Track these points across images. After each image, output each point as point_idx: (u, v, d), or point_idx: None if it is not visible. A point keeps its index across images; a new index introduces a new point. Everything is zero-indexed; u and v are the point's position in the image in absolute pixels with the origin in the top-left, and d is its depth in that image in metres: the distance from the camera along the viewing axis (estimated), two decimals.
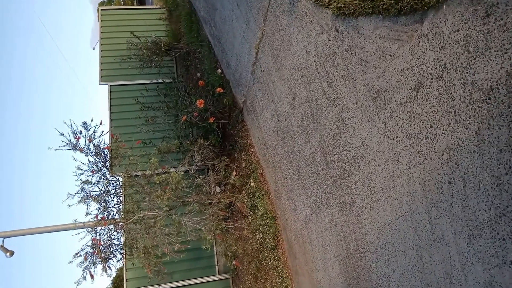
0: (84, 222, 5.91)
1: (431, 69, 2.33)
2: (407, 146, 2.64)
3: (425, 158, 2.46)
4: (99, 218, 5.39)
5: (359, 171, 3.27)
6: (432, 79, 2.33)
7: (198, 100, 6.15)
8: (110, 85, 9.84)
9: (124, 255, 6.07)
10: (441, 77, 2.25)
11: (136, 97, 7.41)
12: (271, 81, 5.14)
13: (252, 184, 6.77)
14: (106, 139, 6.05)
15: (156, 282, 6.55)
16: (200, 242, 5.80)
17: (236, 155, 7.42)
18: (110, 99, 9.60)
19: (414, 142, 2.55)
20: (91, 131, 5.69)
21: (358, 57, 3.06)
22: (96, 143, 5.67)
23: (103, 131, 5.76)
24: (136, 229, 5.81)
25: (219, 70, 7.53)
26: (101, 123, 5.74)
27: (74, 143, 5.54)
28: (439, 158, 2.33)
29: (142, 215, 5.75)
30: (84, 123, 5.78)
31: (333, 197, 3.88)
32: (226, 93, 7.05)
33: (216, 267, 7.95)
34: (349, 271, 3.73)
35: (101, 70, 10.09)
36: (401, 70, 2.59)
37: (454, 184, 2.23)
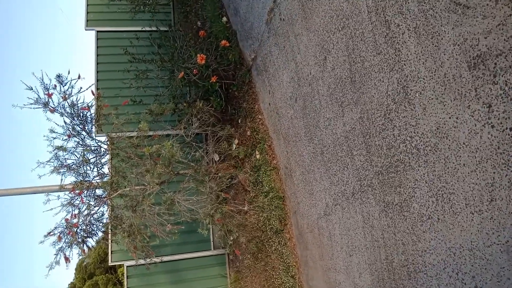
0: (61, 185, 4.95)
1: None
2: None
3: None
4: (76, 192, 4.50)
5: (424, 167, 2.34)
6: None
7: (198, 55, 5.05)
8: (97, 31, 8.59)
9: (106, 232, 5.26)
10: None
11: (125, 46, 6.25)
12: (293, 34, 4.04)
13: (257, 157, 5.86)
14: (88, 97, 4.97)
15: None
16: (196, 223, 4.97)
17: (240, 121, 6.44)
18: (97, 47, 8.38)
19: None
20: (67, 87, 4.63)
21: None
22: (72, 102, 4.63)
23: (81, 88, 4.69)
24: (121, 205, 4.95)
25: (225, 19, 6.32)
26: (79, 78, 4.66)
27: (45, 100, 4.49)
28: None
29: (128, 189, 4.85)
30: (58, 76, 4.69)
31: (373, 192, 2.98)
32: (232, 47, 5.91)
33: (212, 242, 7.24)
34: (387, 287, 2.93)
35: (87, 13, 8.76)
36: None
37: None
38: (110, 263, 6.94)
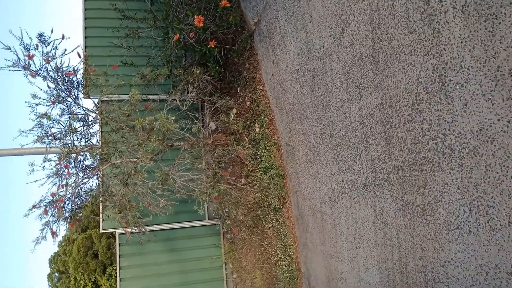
0: (47, 148, 4.58)
1: None
2: None
3: None
4: (61, 164, 4.16)
5: (458, 172, 2.04)
6: None
7: (195, 16, 4.53)
8: None
9: (96, 203, 5.00)
10: None
11: (113, 2, 5.62)
12: None
13: (257, 130, 5.52)
14: (74, 59, 4.48)
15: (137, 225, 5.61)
16: (192, 199, 4.72)
17: (239, 90, 6.01)
18: (85, 0, 7.65)
19: None
20: (50, 47, 4.13)
21: None
22: (56, 65, 4.15)
23: (65, 50, 4.20)
24: (111, 176, 4.65)
25: None
26: (63, 38, 4.15)
27: (25, 62, 4.01)
28: None
29: (119, 161, 4.53)
30: (40, 35, 4.17)
31: (389, 187, 2.70)
32: (233, 8, 5.35)
33: (206, 213, 7.08)
34: None
35: None
36: None
37: None
38: (101, 231, 6.78)
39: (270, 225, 5.36)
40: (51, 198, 4.04)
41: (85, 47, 7.23)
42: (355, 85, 2.98)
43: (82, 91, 4.41)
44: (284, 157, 4.87)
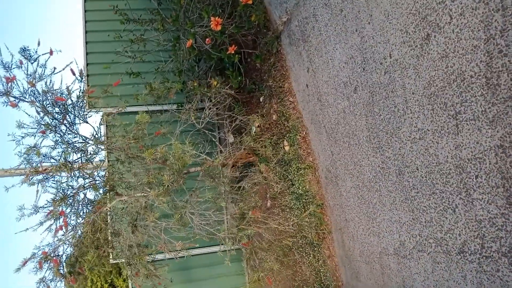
0: (37, 189, 3.82)
1: None
2: None
3: None
4: (55, 210, 3.38)
5: None
6: None
7: (212, 18, 3.68)
8: None
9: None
10: None
11: (114, 2, 4.79)
12: None
13: (286, 148, 4.68)
14: (68, 76, 3.66)
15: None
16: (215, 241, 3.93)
17: (261, 100, 5.16)
18: (85, 1, 6.85)
19: None
20: (36, 65, 3.32)
21: None
22: (46, 88, 3.35)
23: (54, 68, 3.38)
24: (118, 213, 3.88)
25: None
26: (51, 53, 3.34)
27: (5, 87, 3.21)
28: None
29: (125, 197, 3.75)
30: (24, 50, 3.37)
31: (510, 267, 1.85)
32: (256, 6, 4.49)
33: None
34: None
35: None
36: None
37: None
38: (111, 261, 6.06)
39: (306, 261, 4.55)
40: (46, 250, 3.29)
41: (86, 53, 6.45)
42: (448, 113, 2.11)
43: (77, 117, 3.61)
44: (323, 184, 4.04)
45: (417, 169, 2.46)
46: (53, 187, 3.48)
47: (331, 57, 3.35)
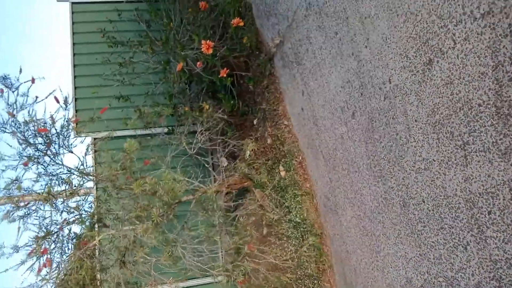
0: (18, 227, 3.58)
1: None
2: None
3: None
4: (38, 248, 3.14)
5: None
6: None
7: (203, 41, 3.56)
8: (72, 3, 6.91)
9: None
10: None
11: (102, 26, 4.66)
12: (358, 15, 2.56)
13: (282, 174, 4.51)
14: (51, 104, 3.48)
15: None
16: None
17: (255, 123, 5.02)
18: (73, 23, 6.74)
19: None
20: (16, 94, 3.15)
21: None
22: (29, 117, 3.17)
23: (37, 97, 3.21)
24: (105, 252, 3.65)
25: None
26: (33, 82, 3.17)
27: None
28: None
29: (113, 231, 3.53)
30: (4, 78, 3.20)
31: None
32: (247, 27, 4.39)
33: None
34: None
35: None
36: None
37: None
38: None
39: None
40: None
41: (74, 77, 6.31)
42: (456, 144, 1.96)
43: (62, 148, 3.42)
44: (322, 212, 3.85)
45: (423, 201, 2.29)
46: (35, 225, 3.25)
47: (326, 81, 3.22)
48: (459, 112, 1.92)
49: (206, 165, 4.39)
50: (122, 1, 6.35)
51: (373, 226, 2.91)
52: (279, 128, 4.40)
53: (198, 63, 3.87)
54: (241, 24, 4.13)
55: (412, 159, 2.32)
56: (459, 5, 1.78)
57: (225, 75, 4.05)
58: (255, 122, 5.04)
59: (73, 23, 6.71)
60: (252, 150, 5.16)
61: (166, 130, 5.34)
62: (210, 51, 3.61)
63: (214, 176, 4.82)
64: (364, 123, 2.77)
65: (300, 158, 4.13)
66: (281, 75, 4.19)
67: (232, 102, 4.43)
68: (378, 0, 2.33)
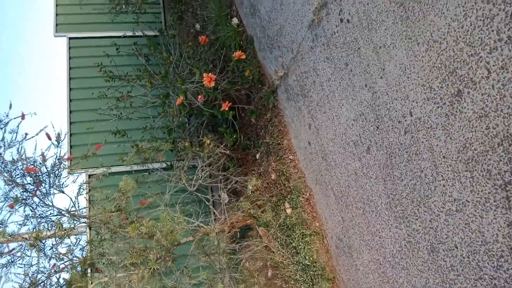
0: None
1: None
2: None
3: None
4: None
5: None
6: None
7: (205, 74, 3.41)
8: (70, 38, 6.88)
9: None
10: None
11: (99, 61, 4.54)
12: (371, 45, 2.42)
13: (288, 211, 4.24)
14: (42, 141, 3.27)
15: None
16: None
17: (258, 157, 4.80)
18: (69, 58, 6.67)
19: None
20: (4, 131, 2.94)
21: None
22: (17, 155, 2.95)
23: (26, 134, 3.01)
24: None
25: (235, 20, 4.68)
26: (23, 118, 2.98)
27: None
28: None
29: (105, 278, 3.20)
30: None
31: None
32: (249, 60, 4.28)
33: None
34: None
35: (56, 15, 7.05)
36: None
37: None
38: None
39: None
40: None
41: (70, 111, 6.14)
42: (494, 183, 1.74)
43: (61, 172, 3.18)
44: (333, 254, 3.56)
45: (456, 247, 2.04)
46: (19, 274, 2.93)
47: (336, 114, 3.04)
48: (497, 148, 1.71)
49: (207, 203, 4.12)
50: (121, 36, 6.34)
51: (395, 273, 2.62)
52: (284, 163, 4.18)
53: (199, 96, 3.71)
54: (243, 57, 4.01)
55: (441, 200, 2.09)
56: (493, 30, 1.62)
57: (227, 108, 3.87)
58: (257, 156, 4.82)
59: (70, 57, 6.66)
60: (255, 186, 4.91)
61: (164, 165, 5.11)
62: (212, 84, 3.46)
63: (215, 213, 4.53)
64: (381, 159, 2.56)
65: (308, 194, 3.89)
66: (285, 107, 4.02)
67: (234, 136, 4.23)
68: (395, 28, 2.19)
